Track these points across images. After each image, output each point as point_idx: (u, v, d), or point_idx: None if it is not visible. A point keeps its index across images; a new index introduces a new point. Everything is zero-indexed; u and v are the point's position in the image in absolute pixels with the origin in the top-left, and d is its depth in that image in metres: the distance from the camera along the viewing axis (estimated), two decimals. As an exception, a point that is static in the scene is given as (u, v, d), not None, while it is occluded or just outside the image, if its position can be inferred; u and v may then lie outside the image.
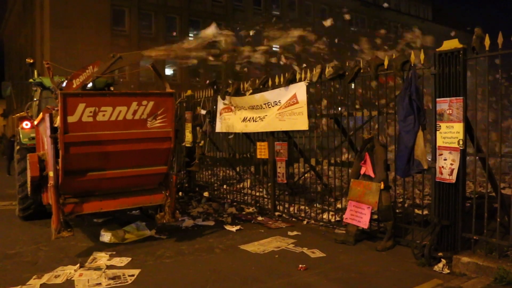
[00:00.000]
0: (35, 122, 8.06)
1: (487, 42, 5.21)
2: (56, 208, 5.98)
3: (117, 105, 6.10)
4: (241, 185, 11.18)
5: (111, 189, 6.63)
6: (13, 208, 9.42)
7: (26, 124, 8.82)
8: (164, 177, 7.00)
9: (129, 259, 6.01)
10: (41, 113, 6.98)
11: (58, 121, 5.86)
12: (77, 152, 5.98)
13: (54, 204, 5.98)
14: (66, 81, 6.92)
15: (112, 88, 9.65)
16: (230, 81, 10.18)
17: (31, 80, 9.50)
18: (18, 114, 10.39)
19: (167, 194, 6.94)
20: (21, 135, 8.74)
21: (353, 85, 7.40)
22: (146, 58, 7.10)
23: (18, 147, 8.76)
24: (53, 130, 5.91)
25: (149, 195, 6.92)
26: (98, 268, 5.62)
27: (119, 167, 6.44)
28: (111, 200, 6.62)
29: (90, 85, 7.35)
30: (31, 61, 9.31)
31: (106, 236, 6.93)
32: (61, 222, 6.00)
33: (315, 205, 8.38)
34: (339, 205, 7.91)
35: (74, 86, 6.74)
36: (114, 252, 6.31)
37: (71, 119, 5.82)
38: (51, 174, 6.05)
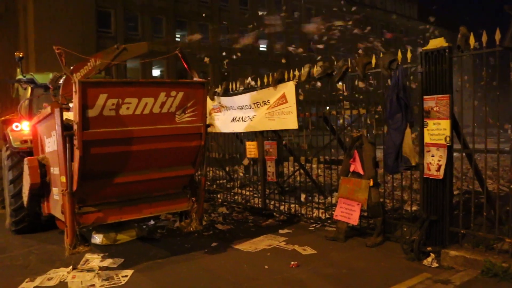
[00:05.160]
0: (32, 122, 7.33)
1: (471, 40, 5.31)
2: (71, 219, 5.19)
3: (143, 96, 5.29)
4: (231, 185, 11.23)
5: (131, 195, 5.86)
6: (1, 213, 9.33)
7: (16, 126, 7.82)
8: (190, 180, 6.35)
9: (122, 260, 6.01)
10: (45, 110, 6.19)
11: (69, 116, 5.22)
12: (98, 152, 5.20)
13: (69, 214, 5.18)
14: (63, 76, 6.13)
15: None
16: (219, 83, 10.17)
17: (20, 76, 8.70)
18: (2, 117, 10.10)
19: (193, 199, 6.31)
20: (11, 138, 7.60)
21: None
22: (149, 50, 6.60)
23: (8, 152, 7.70)
24: (64, 127, 5.18)
25: (173, 201, 6.21)
26: (91, 270, 5.62)
27: (142, 169, 5.72)
28: (131, 208, 5.84)
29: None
30: (21, 55, 8.64)
31: (98, 238, 6.90)
32: (77, 235, 5.27)
33: (305, 202, 8.45)
34: (329, 202, 7.99)
35: (73, 81, 5.93)
36: (106, 254, 6.31)
37: (91, 113, 4.98)
38: (63, 179, 5.32)
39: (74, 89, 4.88)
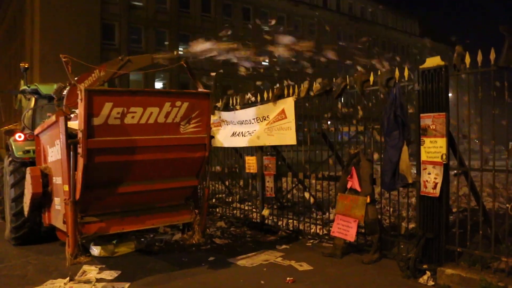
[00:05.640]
0: (35, 132, 7.35)
1: (467, 60, 5.39)
2: (73, 228, 5.11)
3: (148, 106, 5.29)
4: (230, 199, 11.25)
5: (133, 206, 5.81)
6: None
7: (19, 136, 7.82)
8: (193, 191, 6.34)
9: (119, 272, 6.03)
10: (49, 119, 6.21)
11: (72, 126, 5.22)
12: (102, 161, 5.17)
13: (71, 223, 5.10)
14: (68, 87, 6.16)
15: None
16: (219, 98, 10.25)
17: (24, 87, 8.75)
18: (6, 127, 10.16)
19: (196, 211, 6.25)
20: (14, 148, 7.67)
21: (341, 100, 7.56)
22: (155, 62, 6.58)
23: (9, 159, 7.78)
24: (68, 136, 5.15)
25: (176, 212, 6.16)
26: (88, 281, 5.64)
27: (146, 179, 5.68)
28: (133, 218, 5.77)
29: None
30: (26, 65, 8.68)
31: (95, 250, 6.91)
32: (79, 245, 5.20)
33: (303, 218, 8.47)
34: (327, 218, 8.01)
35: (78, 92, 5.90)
36: (103, 266, 6.32)
37: (96, 121, 4.99)
38: (66, 188, 5.26)
39: (80, 97, 4.89)
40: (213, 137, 6.32)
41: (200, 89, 6.02)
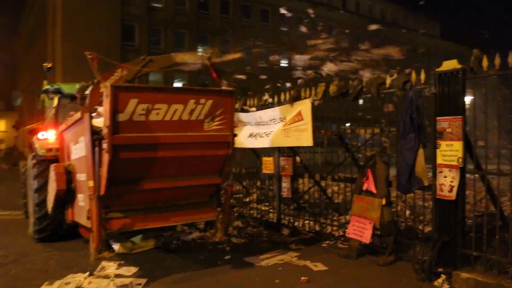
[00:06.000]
0: (58, 130, 7.48)
1: (484, 63, 5.37)
2: (98, 224, 5.19)
3: (172, 103, 5.33)
4: (247, 199, 11.34)
5: (157, 202, 5.87)
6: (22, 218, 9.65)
7: (42, 135, 7.92)
8: (216, 189, 6.36)
9: (137, 268, 6.16)
10: (73, 117, 6.30)
11: (96, 123, 5.30)
12: (127, 157, 5.21)
13: (96, 219, 5.18)
14: (90, 86, 6.25)
15: None
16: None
17: (47, 86, 8.87)
18: (28, 126, 10.35)
19: (218, 209, 6.28)
20: (37, 147, 7.74)
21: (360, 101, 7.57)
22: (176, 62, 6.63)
23: (34, 161, 7.78)
24: (93, 132, 5.23)
25: (199, 210, 6.20)
26: (106, 277, 5.79)
27: (169, 176, 5.71)
28: (157, 215, 5.83)
29: None
30: (49, 65, 8.80)
31: (114, 246, 7.04)
32: (103, 241, 5.31)
33: (319, 219, 8.51)
34: (343, 220, 8.04)
35: (101, 90, 5.75)
36: (122, 262, 6.45)
37: (121, 117, 5.03)
38: (91, 183, 5.31)
39: (105, 93, 4.95)
40: (236, 135, 6.34)
41: (224, 87, 6.02)
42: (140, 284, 5.53)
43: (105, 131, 5.02)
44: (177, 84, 35.85)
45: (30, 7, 44.77)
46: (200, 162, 5.89)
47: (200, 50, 34.94)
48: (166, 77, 32.40)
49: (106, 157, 5.07)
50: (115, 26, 32.20)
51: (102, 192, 5.22)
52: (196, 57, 6.72)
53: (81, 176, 6.19)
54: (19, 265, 6.45)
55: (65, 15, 30.52)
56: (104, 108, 5.06)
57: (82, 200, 6.15)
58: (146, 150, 5.35)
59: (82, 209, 6.08)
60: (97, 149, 5.18)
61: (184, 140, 5.58)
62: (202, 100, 5.53)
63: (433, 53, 51.76)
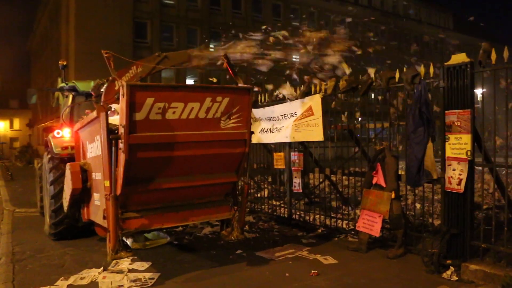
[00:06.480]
0: (74, 128, 7.44)
1: (493, 56, 5.38)
2: (114, 223, 5.17)
3: (189, 101, 5.25)
4: (259, 195, 11.43)
5: (173, 201, 5.81)
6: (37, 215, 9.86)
7: (58, 133, 7.93)
8: (232, 187, 6.32)
9: (150, 263, 6.29)
10: (89, 115, 6.25)
11: (111, 121, 5.30)
12: (143, 156, 5.16)
13: (112, 219, 5.16)
14: (105, 83, 6.27)
15: None
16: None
17: (62, 84, 8.86)
18: (43, 124, 10.46)
19: (235, 207, 6.26)
20: (53, 145, 7.69)
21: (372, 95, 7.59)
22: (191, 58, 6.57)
23: (49, 156, 7.83)
24: (109, 131, 5.20)
25: (215, 209, 6.14)
26: (120, 272, 5.92)
27: (186, 175, 5.67)
28: (173, 215, 5.78)
29: None
30: (64, 63, 8.79)
31: (128, 242, 7.21)
32: (119, 240, 5.29)
33: (329, 214, 8.57)
34: (352, 214, 8.08)
35: (116, 88, 5.95)
36: (135, 257, 6.56)
37: (138, 116, 4.97)
38: (107, 183, 5.31)
39: (121, 92, 4.89)
40: (253, 132, 6.27)
41: (241, 84, 5.97)
42: (153, 278, 5.65)
43: (121, 131, 4.99)
44: (190, 81, 36.05)
45: (43, 5, 45.27)
46: (217, 161, 5.85)
47: (212, 46, 35.09)
48: (178, 74, 32.59)
49: (122, 157, 5.03)
50: (127, 23, 32.43)
51: (118, 192, 5.19)
52: (211, 54, 6.69)
53: (97, 175, 6.19)
54: (35, 260, 6.62)
55: (78, 13, 30.85)
56: (120, 107, 5.03)
57: (97, 199, 6.18)
58: (162, 149, 5.31)
59: (98, 208, 6.10)
60: (113, 148, 5.14)
61: (201, 138, 5.53)
62: (219, 98, 5.47)
63: (445, 46, 51.20)
